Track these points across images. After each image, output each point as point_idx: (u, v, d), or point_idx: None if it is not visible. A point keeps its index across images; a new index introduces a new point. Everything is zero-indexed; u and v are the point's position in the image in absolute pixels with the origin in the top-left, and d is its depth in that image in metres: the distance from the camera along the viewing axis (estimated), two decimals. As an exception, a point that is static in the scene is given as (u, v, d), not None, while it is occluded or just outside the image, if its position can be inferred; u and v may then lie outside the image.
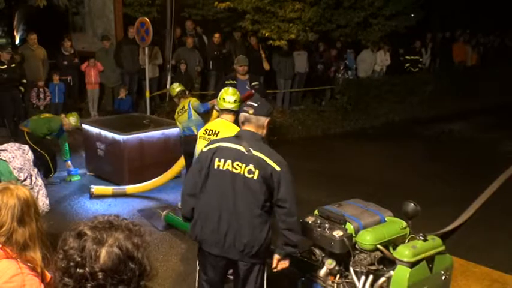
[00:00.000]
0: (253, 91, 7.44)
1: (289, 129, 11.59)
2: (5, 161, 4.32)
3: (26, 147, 4.71)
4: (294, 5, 11.20)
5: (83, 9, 12.08)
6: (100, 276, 1.60)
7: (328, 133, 12.04)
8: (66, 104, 10.72)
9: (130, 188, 7.35)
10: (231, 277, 3.93)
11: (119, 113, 10.04)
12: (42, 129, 7.45)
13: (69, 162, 7.98)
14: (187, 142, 6.62)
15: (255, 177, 3.35)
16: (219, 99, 4.91)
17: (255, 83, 7.73)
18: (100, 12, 11.82)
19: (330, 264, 3.94)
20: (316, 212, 4.13)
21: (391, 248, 3.83)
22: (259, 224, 3.42)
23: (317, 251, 4.03)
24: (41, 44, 10.29)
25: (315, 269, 4.07)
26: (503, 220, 6.70)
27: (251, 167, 3.36)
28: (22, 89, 9.71)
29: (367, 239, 3.76)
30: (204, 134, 4.87)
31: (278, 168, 3.37)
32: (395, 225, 3.93)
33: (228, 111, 4.87)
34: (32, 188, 4.28)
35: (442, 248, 3.89)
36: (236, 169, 3.39)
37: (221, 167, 3.42)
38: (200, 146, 4.43)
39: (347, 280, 3.93)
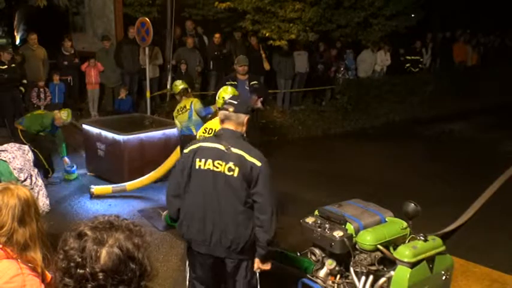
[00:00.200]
0: (255, 99, 7.46)
1: (290, 130, 11.59)
2: (5, 161, 4.33)
3: (26, 147, 4.71)
4: (294, 5, 11.20)
5: (83, 9, 12.08)
6: (100, 277, 1.60)
7: (328, 133, 12.04)
8: (66, 104, 10.70)
9: (130, 184, 7.33)
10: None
11: (119, 113, 10.04)
12: (35, 125, 7.48)
13: (66, 159, 7.94)
14: (185, 142, 6.62)
15: (235, 175, 3.41)
16: (218, 98, 4.93)
17: (254, 82, 7.74)
18: (100, 12, 11.82)
19: (330, 264, 3.94)
20: (316, 212, 4.14)
21: (391, 248, 3.83)
22: (243, 220, 3.47)
23: (317, 252, 4.04)
24: (42, 44, 10.30)
25: (315, 269, 4.07)
26: (503, 220, 6.70)
27: (231, 164, 3.41)
28: (22, 89, 9.72)
29: (367, 239, 3.76)
30: (203, 133, 4.88)
31: (258, 164, 3.42)
32: (395, 226, 3.93)
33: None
34: (32, 189, 4.28)
35: (443, 248, 3.90)
36: (217, 168, 3.45)
37: (202, 167, 3.48)
38: None
39: (347, 280, 3.93)
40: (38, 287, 2.13)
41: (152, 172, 7.35)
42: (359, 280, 3.82)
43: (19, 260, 2.15)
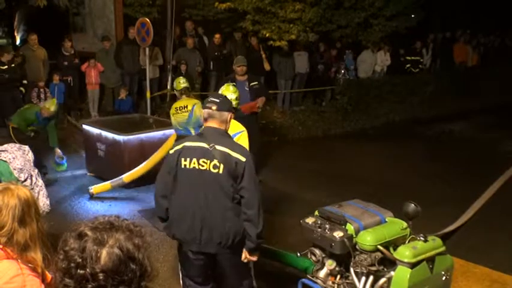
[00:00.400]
0: (258, 101, 7.46)
1: (290, 130, 11.60)
2: (5, 161, 4.33)
3: (27, 147, 4.71)
4: (295, 6, 11.20)
5: (84, 10, 12.08)
6: (101, 277, 1.60)
7: (328, 133, 12.04)
8: (66, 104, 10.74)
9: (127, 176, 7.30)
10: None
11: (120, 113, 10.04)
12: (21, 120, 7.50)
13: (58, 150, 7.94)
14: None
15: (220, 172, 3.48)
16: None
17: (254, 83, 7.73)
18: (100, 13, 11.82)
19: (330, 265, 3.94)
20: (316, 212, 4.13)
21: (391, 249, 3.83)
22: (232, 216, 3.54)
23: (317, 252, 4.04)
24: (42, 45, 10.30)
25: (315, 269, 4.08)
26: (503, 221, 6.70)
27: (215, 162, 3.47)
28: (23, 89, 9.72)
29: (367, 239, 3.76)
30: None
31: (243, 159, 3.49)
32: (395, 226, 3.93)
33: None
34: (32, 189, 4.28)
35: (443, 248, 3.89)
36: (202, 166, 3.51)
37: (188, 166, 3.53)
38: None
39: (347, 281, 3.93)
40: (38, 287, 2.13)
41: (146, 161, 7.32)
42: (359, 280, 3.82)
43: (19, 261, 2.15)
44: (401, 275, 3.66)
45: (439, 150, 10.95)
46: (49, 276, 2.21)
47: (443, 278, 3.92)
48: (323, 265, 4.00)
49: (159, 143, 7.83)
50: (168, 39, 11.13)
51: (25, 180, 4.27)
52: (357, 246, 3.83)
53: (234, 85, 5.49)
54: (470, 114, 14.06)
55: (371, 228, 3.88)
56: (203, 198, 3.53)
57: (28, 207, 2.22)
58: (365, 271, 3.79)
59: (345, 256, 3.89)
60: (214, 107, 3.60)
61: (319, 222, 3.98)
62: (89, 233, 1.65)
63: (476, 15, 18.03)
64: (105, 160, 7.83)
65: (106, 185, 7.30)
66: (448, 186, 8.12)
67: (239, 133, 4.59)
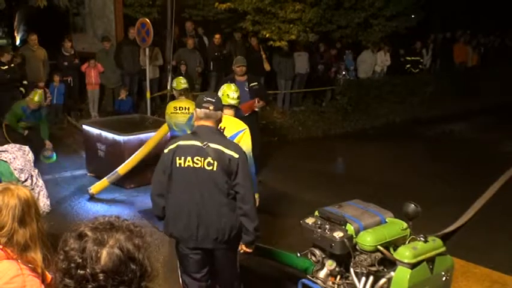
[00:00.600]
0: (256, 102, 7.46)
1: (290, 130, 11.59)
2: (5, 162, 4.33)
3: (27, 148, 4.71)
4: (295, 6, 11.20)
5: (84, 10, 12.08)
6: (101, 277, 1.60)
7: (328, 134, 12.04)
8: (66, 104, 10.75)
9: (121, 168, 7.29)
10: None
11: (120, 113, 10.04)
12: (11, 116, 7.55)
13: (48, 142, 7.98)
14: None
15: (215, 169, 3.56)
16: (222, 95, 4.95)
17: (254, 83, 7.73)
18: (100, 13, 11.82)
19: (330, 265, 3.94)
20: (316, 213, 4.13)
21: (391, 249, 3.83)
22: (228, 211, 3.63)
23: (317, 252, 4.04)
24: (42, 45, 10.30)
25: (315, 270, 4.07)
26: (503, 221, 6.70)
27: (209, 159, 3.56)
28: (23, 89, 9.72)
29: (367, 240, 3.76)
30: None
31: (236, 156, 3.58)
32: (395, 226, 3.92)
33: (230, 106, 4.95)
34: (32, 189, 4.28)
35: (443, 249, 3.89)
36: (197, 164, 3.58)
37: (182, 165, 3.61)
38: None
39: (347, 281, 3.93)
40: (38, 288, 2.13)
41: (138, 151, 7.32)
42: (359, 281, 3.82)
43: (19, 261, 2.14)
44: (401, 275, 3.66)
45: (439, 150, 10.95)
46: (49, 276, 2.21)
47: (444, 278, 3.92)
48: (323, 265, 4.00)
49: (159, 143, 7.82)
50: (168, 39, 11.14)
51: (25, 180, 4.28)
52: (357, 247, 3.83)
53: (234, 84, 5.51)
54: (470, 115, 14.06)
55: (371, 228, 3.87)
56: (198, 196, 3.61)
57: (28, 207, 2.22)
58: (365, 271, 3.78)
59: (345, 256, 3.89)
60: (211, 107, 3.67)
61: (319, 222, 3.98)
62: (89, 233, 1.65)
63: (476, 16, 18.04)
64: (105, 160, 7.83)
65: (103, 181, 7.30)
66: (448, 187, 8.12)
67: (242, 131, 4.62)
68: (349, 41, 13.48)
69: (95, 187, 7.25)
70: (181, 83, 7.23)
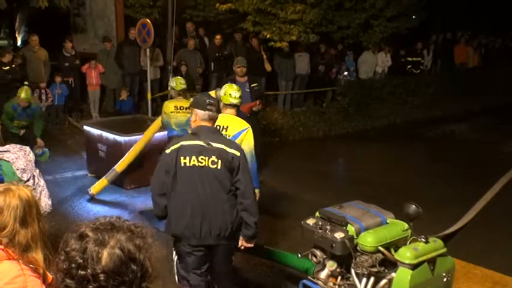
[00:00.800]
0: (258, 102, 7.47)
1: (291, 131, 11.59)
2: (8, 162, 4.33)
3: (28, 148, 4.71)
4: (295, 7, 11.20)
5: (84, 11, 12.10)
6: (102, 278, 1.60)
7: (329, 134, 12.04)
8: (67, 105, 10.76)
9: (119, 166, 7.30)
10: None
11: (121, 114, 10.05)
12: (4, 115, 7.53)
13: (39, 140, 7.94)
14: None
15: (219, 167, 3.69)
16: (224, 94, 4.96)
17: (255, 84, 7.75)
18: (101, 14, 11.84)
19: (331, 266, 3.94)
20: (317, 213, 4.13)
21: (392, 250, 3.82)
22: (229, 208, 3.75)
23: (318, 253, 4.03)
24: (43, 46, 10.31)
25: (316, 270, 4.07)
26: (505, 222, 6.69)
27: (213, 158, 3.69)
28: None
29: (368, 240, 3.75)
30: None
31: (238, 154, 3.74)
32: (396, 227, 3.92)
33: (232, 106, 4.95)
34: (34, 189, 4.28)
35: (444, 250, 3.89)
36: (201, 163, 3.70)
37: (188, 164, 3.70)
38: None
39: (348, 282, 3.92)
40: (39, 288, 2.13)
41: (133, 147, 7.36)
42: (360, 282, 3.82)
43: (20, 261, 2.14)
44: (402, 276, 3.66)
45: (440, 151, 10.94)
46: (50, 276, 2.21)
47: (445, 279, 3.91)
48: (324, 266, 4.00)
49: (160, 144, 7.82)
50: (169, 40, 11.14)
51: (28, 180, 4.28)
52: (357, 248, 3.83)
53: (236, 84, 5.53)
54: (471, 115, 14.06)
55: (372, 229, 3.87)
56: (202, 194, 3.69)
57: (29, 207, 2.22)
58: (366, 272, 3.78)
59: (346, 257, 3.88)
60: (214, 109, 3.84)
61: (320, 223, 3.98)
62: (90, 233, 1.65)
63: (477, 16, 18.03)
64: (106, 161, 7.82)
65: (102, 181, 7.30)
66: (449, 187, 8.12)
67: (244, 130, 4.67)
68: (350, 42, 13.48)
69: (95, 187, 7.26)
70: (181, 83, 7.24)
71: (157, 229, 6.18)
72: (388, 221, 4.01)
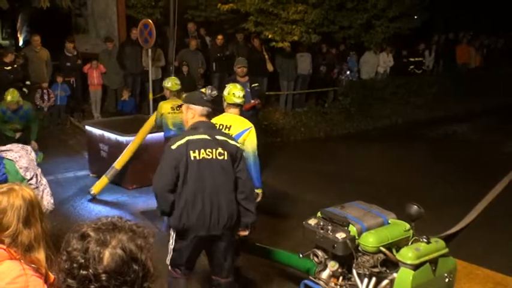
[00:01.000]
0: (257, 101, 7.49)
1: (292, 131, 11.59)
2: (11, 160, 4.35)
3: (29, 147, 4.73)
4: (297, 7, 11.21)
5: (86, 11, 12.11)
6: (103, 278, 1.60)
7: (331, 135, 12.04)
8: (69, 105, 10.78)
9: (118, 163, 7.32)
10: None
11: (122, 114, 10.06)
12: None
13: (33, 142, 7.73)
14: None
15: (226, 158, 3.85)
16: (228, 94, 4.97)
17: (255, 84, 7.76)
18: (103, 14, 11.85)
19: (332, 266, 3.94)
20: (319, 214, 4.13)
21: (394, 251, 3.82)
22: (233, 197, 3.89)
23: (320, 253, 4.03)
24: (45, 46, 10.33)
25: (318, 271, 4.07)
26: (506, 222, 6.68)
27: (220, 150, 3.84)
28: (26, 90, 9.74)
29: (370, 241, 3.75)
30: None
31: (238, 145, 3.99)
32: (398, 228, 3.92)
33: (236, 105, 4.96)
34: (37, 187, 4.31)
35: (446, 250, 3.88)
36: (209, 155, 3.82)
37: (197, 157, 3.80)
38: None
39: (350, 282, 3.92)
40: (41, 288, 2.13)
41: (130, 144, 7.39)
42: (361, 282, 3.81)
43: (22, 261, 2.15)
44: (404, 276, 3.65)
45: (441, 151, 10.93)
46: (52, 276, 2.21)
47: (446, 280, 3.91)
48: (325, 266, 4.00)
49: (161, 144, 7.82)
50: (171, 40, 11.15)
51: (31, 178, 4.29)
52: (359, 248, 3.82)
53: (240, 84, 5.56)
54: (473, 116, 14.05)
55: (374, 229, 3.87)
56: (212, 185, 3.80)
57: (32, 207, 2.22)
58: (367, 273, 3.78)
59: (348, 257, 3.88)
60: (211, 105, 4.02)
61: (321, 223, 3.98)
62: (92, 233, 1.65)
63: (479, 17, 18.02)
64: (108, 161, 7.82)
65: (103, 180, 7.31)
66: (451, 188, 8.11)
67: (247, 130, 4.71)
68: (352, 42, 13.48)
69: (96, 187, 7.26)
70: (176, 83, 7.32)
71: (159, 229, 6.20)
72: (389, 222, 4.01)
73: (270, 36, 11.37)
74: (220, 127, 4.85)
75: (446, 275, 3.90)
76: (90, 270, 1.60)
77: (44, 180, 4.45)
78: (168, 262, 4.02)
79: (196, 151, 3.78)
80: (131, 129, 8.00)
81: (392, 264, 3.81)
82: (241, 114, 5.04)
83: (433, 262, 3.77)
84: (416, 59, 14.80)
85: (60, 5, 10.47)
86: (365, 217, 3.98)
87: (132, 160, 7.57)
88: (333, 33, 12.88)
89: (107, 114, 10.86)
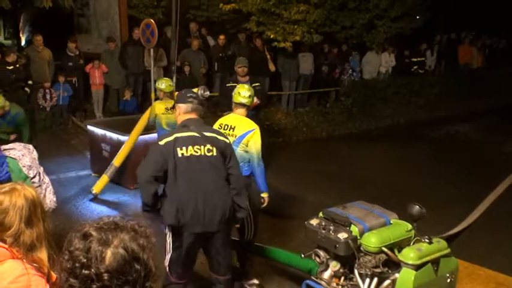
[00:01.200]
0: (259, 101, 7.50)
1: (294, 131, 11.59)
2: (14, 159, 4.36)
3: (31, 146, 4.75)
4: (299, 7, 11.20)
5: (88, 11, 12.12)
6: (105, 277, 1.60)
7: (333, 135, 12.03)
8: (71, 105, 10.79)
9: (116, 160, 7.34)
10: None
11: (124, 114, 10.06)
12: None
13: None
14: None
15: (215, 154, 3.86)
16: (235, 93, 4.98)
17: (256, 84, 7.75)
18: (105, 14, 11.86)
19: (334, 266, 3.93)
20: (320, 214, 4.13)
21: (396, 251, 3.82)
22: (226, 193, 3.90)
23: (322, 253, 4.03)
24: (47, 46, 10.34)
25: (319, 271, 4.07)
26: (508, 222, 6.67)
27: (208, 146, 3.86)
28: (28, 90, 9.76)
29: (372, 241, 3.75)
30: (219, 128, 4.90)
31: (228, 141, 3.99)
32: (400, 228, 3.91)
33: (242, 105, 4.94)
34: (40, 185, 4.32)
35: (447, 250, 3.88)
36: (197, 152, 3.84)
37: (185, 154, 3.82)
38: None
39: (352, 282, 3.92)
40: (43, 287, 2.13)
41: (126, 141, 7.43)
42: (363, 282, 3.81)
43: (24, 260, 2.15)
44: (405, 277, 3.65)
45: (443, 151, 10.92)
46: (54, 275, 2.21)
47: (448, 280, 3.90)
48: (327, 266, 3.99)
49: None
50: (173, 40, 11.14)
51: (34, 177, 4.31)
52: (361, 248, 3.82)
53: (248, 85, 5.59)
54: (474, 116, 14.03)
55: (375, 229, 3.86)
56: (203, 181, 3.81)
57: (35, 207, 2.22)
58: (369, 273, 3.77)
59: (349, 258, 3.88)
60: (195, 101, 4.03)
61: (323, 223, 3.98)
62: (94, 233, 1.65)
63: (481, 17, 17.99)
64: (110, 160, 7.80)
65: (103, 178, 7.31)
66: (453, 188, 8.10)
67: (252, 131, 4.69)
68: (354, 42, 13.47)
69: (97, 186, 7.28)
70: (170, 85, 7.47)
71: (161, 229, 6.20)
72: (391, 222, 4.00)
73: (272, 36, 11.36)
74: (225, 127, 4.85)
75: (448, 275, 3.89)
76: (92, 270, 1.60)
77: (47, 179, 4.47)
78: (166, 264, 4.00)
79: (184, 148, 3.80)
80: (133, 129, 8.00)
81: (394, 265, 3.81)
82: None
83: (435, 262, 3.77)
84: (418, 59, 14.78)
85: (63, 5, 10.48)
86: (367, 217, 3.98)
87: (133, 160, 7.57)
88: (335, 33, 12.88)
89: (109, 114, 10.87)
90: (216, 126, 5.03)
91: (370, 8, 12.52)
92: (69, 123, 10.72)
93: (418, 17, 13.84)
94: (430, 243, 3.77)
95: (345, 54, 13.71)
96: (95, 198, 7.22)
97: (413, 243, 3.83)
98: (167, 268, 4.01)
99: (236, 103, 4.95)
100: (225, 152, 3.91)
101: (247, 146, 4.69)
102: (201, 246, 4.03)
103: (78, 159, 8.86)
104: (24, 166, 4.32)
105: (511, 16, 17.67)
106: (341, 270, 3.95)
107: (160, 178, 3.80)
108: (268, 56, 11.74)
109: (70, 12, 11.80)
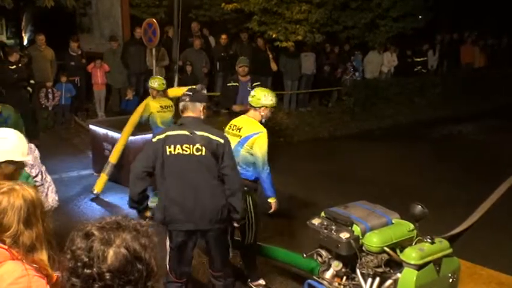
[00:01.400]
0: None
1: (296, 131, 11.58)
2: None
3: (32, 145, 4.74)
4: (301, 7, 11.20)
5: (90, 10, 12.14)
6: (107, 277, 1.60)
7: (335, 134, 12.01)
8: (73, 104, 10.80)
9: (112, 157, 7.35)
10: None
11: (126, 113, 10.04)
12: None
13: None
14: None
15: (203, 153, 3.85)
16: (250, 95, 4.96)
17: (257, 83, 7.75)
18: (107, 13, 11.87)
19: (336, 266, 3.93)
20: (322, 213, 4.13)
21: (398, 251, 3.81)
22: (219, 192, 3.91)
23: (323, 253, 4.02)
24: (49, 45, 10.35)
25: (321, 270, 4.07)
26: (510, 222, 6.66)
27: (198, 145, 3.85)
28: (30, 89, 9.76)
29: (374, 241, 3.74)
30: (228, 128, 4.91)
31: (222, 141, 3.91)
32: (402, 228, 3.91)
33: (251, 106, 4.88)
34: (42, 184, 4.32)
35: (450, 250, 3.87)
36: (186, 151, 3.85)
37: (173, 152, 3.85)
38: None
39: (353, 282, 3.92)
40: (43, 288, 2.13)
41: (120, 137, 7.45)
42: (365, 282, 3.81)
43: (24, 261, 2.14)
44: (407, 276, 3.65)
45: (445, 151, 10.90)
46: (55, 275, 2.21)
47: (450, 280, 3.90)
48: (329, 266, 3.99)
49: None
50: (175, 39, 11.16)
51: (36, 175, 4.31)
52: (363, 248, 3.82)
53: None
54: (477, 116, 13.99)
55: (377, 229, 3.86)
56: (191, 180, 3.85)
57: (34, 207, 2.20)
58: (371, 273, 3.77)
59: (351, 257, 3.87)
60: (187, 99, 4.00)
61: (325, 223, 3.97)
62: (96, 232, 1.65)
63: (483, 17, 17.96)
64: (112, 160, 7.84)
65: (102, 177, 7.31)
66: (455, 188, 8.08)
67: (257, 133, 4.66)
68: (356, 42, 13.47)
69: (97, 185, 7.28)
70: (163, 83, 7.62)
71: (163, 229, 6.20)
72: (393, 222, 4.00)
73: (274, 35, 11.36)
74: (233, 128, 4.84)
75: (450, 275, 3.89)
76: (94, 269, 1.60)
77: (49, 178, 4.47)
78: (167, 262, 4.04)
79: (172, 146, 3.84)
80: (135, 128, 8.00)
81: (396, 265, 3.80)
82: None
83: (437, 262, 3.76)
84: (421, 58, 14.76)
85: (65, 4, 10.48)
86: (369, 217, 3.97)
87: (133, 160, 7.56)
88: (337, 33, 12.87)
89: (111, 113, 10.87)
90: (227, 127, 5.04)
91: (372, 8, 12.51)
92: (71, 122, 10.74)
93: (420, 17, 13.83)
94: (432, 243, 3.77)
95: (347, 54, 13.69)
96: (97, 198, 7.23)
97: (416, 243, 3.83)
98: (167, 267, 4.05)
99: (250, 105, 4.89)
100: (217, 151, 3.86)
101: (251, 148, 4.64)
102: (195, 244, 4.07)
103: (80, 158, 8.87)
104: (26, 165, 4.32)
105: (513, 16, 17.66)
106: (343, 270, 3.95)
107: (152, 174, 3.89)
108: (270, 56, 11.73)
109: (72, 12, 11.80)
